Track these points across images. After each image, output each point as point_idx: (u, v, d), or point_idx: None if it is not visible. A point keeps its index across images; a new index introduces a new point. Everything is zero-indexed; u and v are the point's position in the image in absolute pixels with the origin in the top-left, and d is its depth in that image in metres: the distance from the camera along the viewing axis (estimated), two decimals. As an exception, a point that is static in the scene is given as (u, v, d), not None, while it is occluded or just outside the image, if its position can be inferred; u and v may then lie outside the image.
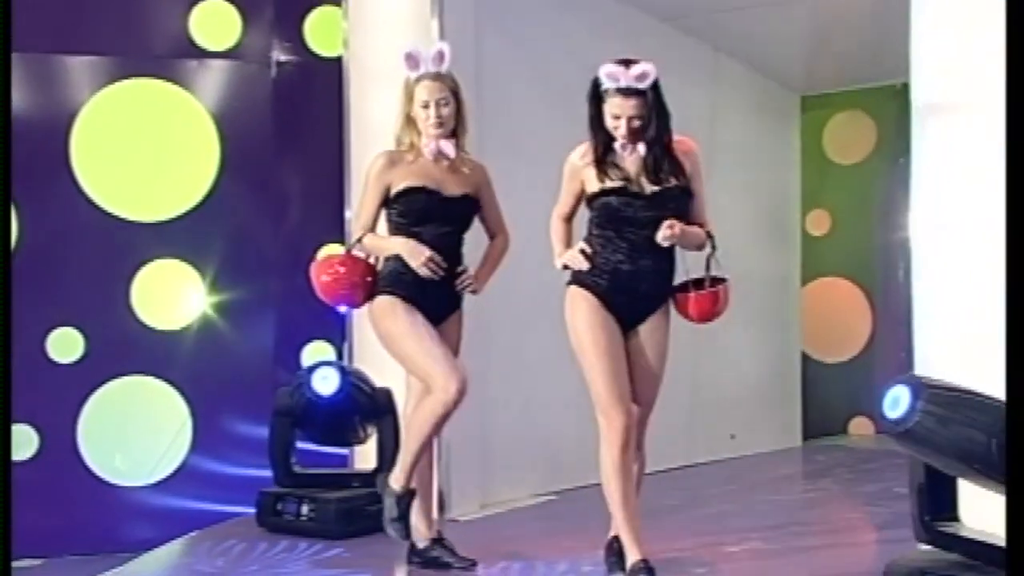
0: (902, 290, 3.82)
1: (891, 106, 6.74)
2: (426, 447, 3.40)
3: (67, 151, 5.43)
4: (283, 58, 5.67)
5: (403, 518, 3.38)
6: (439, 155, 3.39)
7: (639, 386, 3.24)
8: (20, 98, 5.30)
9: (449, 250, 3.39)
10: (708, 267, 3.27)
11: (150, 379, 5.49)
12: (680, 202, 3.20)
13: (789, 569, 3.58)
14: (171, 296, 5.54)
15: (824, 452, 6.68)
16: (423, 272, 3.31)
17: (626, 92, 3.10)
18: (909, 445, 2.74)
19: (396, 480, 3.39)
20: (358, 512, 4.09)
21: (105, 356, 5.41)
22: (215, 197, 5.57)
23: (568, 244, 3.30)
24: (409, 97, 3.38)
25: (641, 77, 3.10)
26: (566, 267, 3.27)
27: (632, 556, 3.16)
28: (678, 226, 3.12)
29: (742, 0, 5.52)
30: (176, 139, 5.58)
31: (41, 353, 5.34)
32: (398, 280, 3.36)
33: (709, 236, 3.25)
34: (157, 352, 5.50)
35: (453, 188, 3.40)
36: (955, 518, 2.93)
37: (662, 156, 3.17)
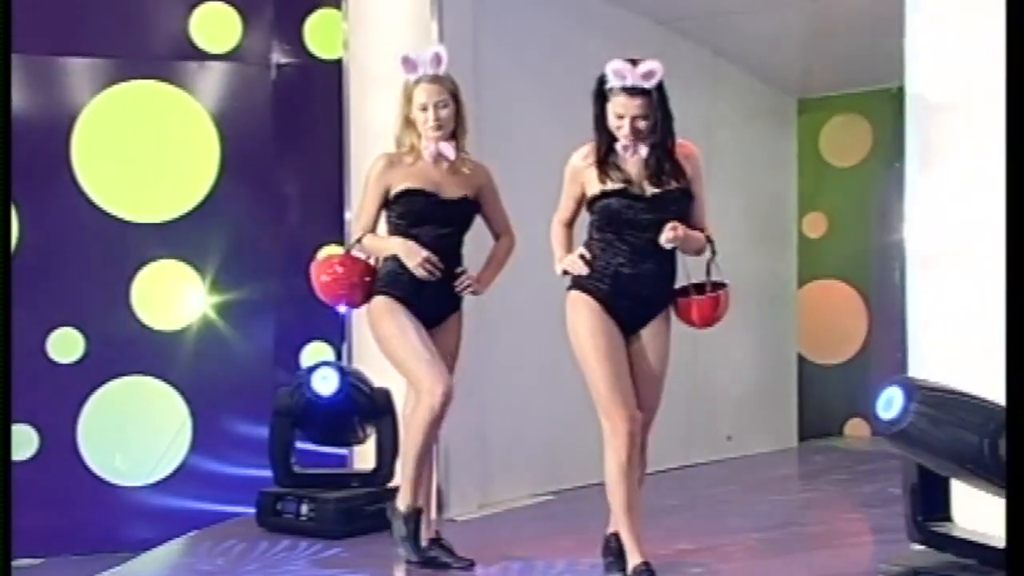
0: (898, 292, 3.84)
1: (887, 109, 6.76)
2: (424, 458, 3.41)
3: (68, 152, 5.45)
4: (283, 60, 5.70)
5: (413, 537, 3.40)
6: (438, 157, 3.41)
7: (642, 390, 3.22)
8: (22, 99, 5.32)
9: (447, 251, 3.40)
10: (708, 271, 3.26)
11: (150, 379, 5.51)
12: (681, 205, 3.19)
13: (785, 569, 3.60)
14: (171, 297, 5.56)
15: (820, 453, 6.71)
16: (419, 273, 3.33)
17: (631, 91, 3.08)
18: (902, 446, 2.77)
19: (402, 500, 3.42)
20: (357, 512, 4.11)
21: (105, 356, 5.44)
22: (215, 198, 5.60)
23: (569, 249, 3.29)
24: (408, 99, 3.40)
25: (648, 75, 3.09)
26: (566, 273, 3.26)
27: (633, 559, 3.17)
28: (681, 228, 3.11)
29: (739, 4, 5.55)
30: (176, 140, 5.60)
31: (41, 353, 5.36)
32: (395, 281, 3.38)
33: (709, 240, 3.24)
34: (157, 352, 5.52)
35: (452, 190, 3.42)
36: (948, 518, 2.95)
37: (664, 158, 3.16)
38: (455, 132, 3.43)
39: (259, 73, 5.69)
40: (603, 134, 3.17)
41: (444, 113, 3.37)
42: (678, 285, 3.30)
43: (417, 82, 3.37)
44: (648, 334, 3.23)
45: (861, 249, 7.40)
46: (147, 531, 5.00)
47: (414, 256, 3.32)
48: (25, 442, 5.29)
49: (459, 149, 3.44)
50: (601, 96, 3.15)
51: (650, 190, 3.16)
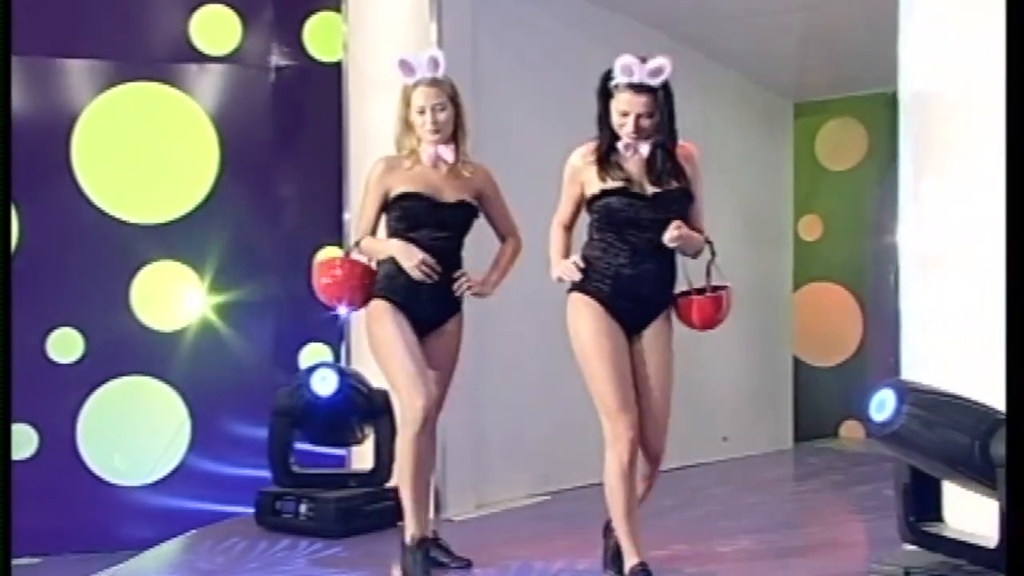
0: (893, 295, 3.87)
1: (883, 113, 6.80)
2: (418, 477, 3.37)
3: (68, 153, 5.48)
4: (282, 63, 5.72)
5: (426, 572, 3.38)
6: (437, 160, 3.41)
7: (647, 393, 3.17)
8: (23, 101, 5.35)
9: (446, 255, 3.40)
10: (708, 273, 3.24)
11: (149, 379, 5.53)
12: (681, 205, 3.16)
13: (779, 569, 3.62)
14: (170, 297, 5.58)
15: (815, 455, 6.75)
16: (416, 274, 3.32)
17: (637, 88, 3.05)
18: (895, 447, 2.80)
19: (409, 533, 3.40)
20: (355, 511, 4.14)
21: (104, 356, 5.46)
22: (214, 200, 5.62)
23: (567, 253, 3.25)
24: (406, 103, 3.39)
25: (656, 72, 3.06)
26: (561, 279, 3.23)
27: (631, 560, 3.16)
28: (684, 227, 3.09)
29: (736, 9, 5.58)
30: (176, 142, 5.62)
31: (41, 353, 5.38)
32: (391, 283, 3.38)
33: (708, 242, 3.22)
34: (156, 353, 5.54)
35: (450, 194, 3.41)
36: (939, 519, 2.98)
37: (666, 158, 3.13)
38: (455, 135, 3.42)
39: (258, 75, 5.72)
40: (605, 132, 3.14)
41: (442, 116, 3.36)
42: (678, 289, 3.27)
43: (415, 85, 3.37)
44: (650, 335, 3.19)
45: (856, 252, 7.44)
46: (146, 530, 5.01)
47: (410, 258, 3.33)
48: (25, 442, 5.31)
49: (459, 152, 3.43)
50: (605, 93, 3.12)
51: (651, 189, 3.13)
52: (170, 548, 4.09)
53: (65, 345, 5.44)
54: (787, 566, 3.65)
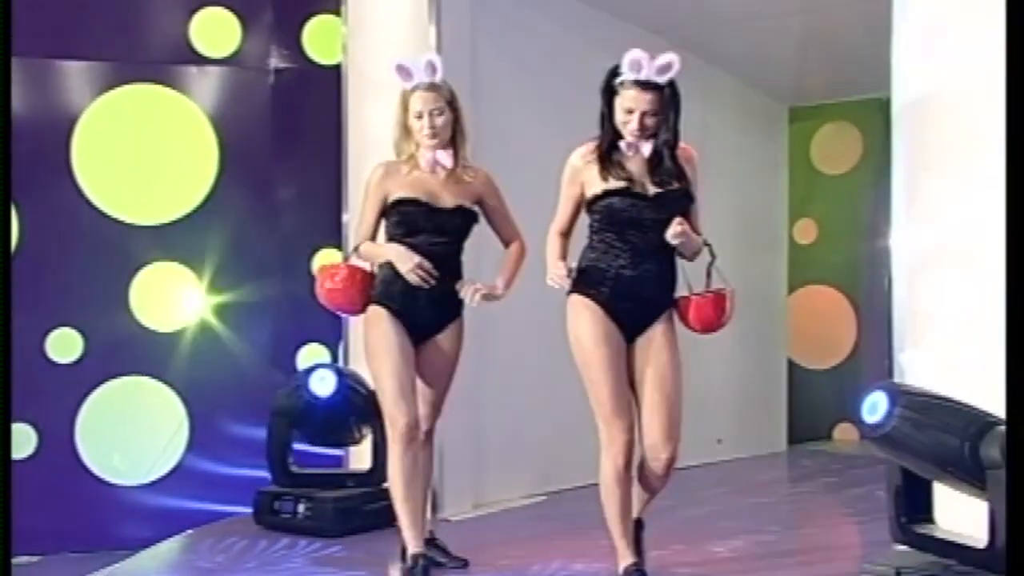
0: (887, 298, 3.90)
1: (877, 118, 6.85)
2: (411, 494, 3.34)
3: (68, 155, 5.51)
4: (281, 65, 5.76)
5: None
6: (435, 165, 3.39)
7: (653, 394, 3.13)
8: (23, 102, 5.38)
9: (444, 260, 3.37)
10: (709, 275, 3.20)
11: (148, 380, 5.57)
12: (682, 205, 3.12)
13: (773, 569, 3.64)
14: (169, 298, 5.62)
15: (809, 457, 6.79)
16: (412, 279, 3.30)
17: (644, 85, 3.02)
18: (886, 449, 2.84)
19: (408, 545, 3.36)
20: (354, 511, 4.17)
21: (104, 357, 5.50)
22: (213, 201, 5.66)
23: (563, 259, 3.18)
24: (405, 107, 3.38)
25: (664, 69, 3.03)
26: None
27: (625, 560, 3.17)
28: (687, 225, 3.05)
29: (734, 13, 5.62)
30: (175, 144, 5.66)
31: (40, 353, 5.42)
32: (388, 289, 3.37)
33: (707, 244, 3.17)
34: (155, 353, 5.58)
35: (448, 199, 3.39)
36: (930, 520, 3.01)
37: (668, 157, 3.10)
38: (453, 140, 3.41)
39: (258, 77, 5.76)
40: (607, 130, 3.11)
41: (440, 121, 3.34)
42: (679, 293, 3.23)
43: (413, 90, 3.35)
44: (653, 337, 3.14)
45: (851, 255, 7.49)
46: (143, 530, 5.04)
47: (407, 261, 3.31)
48: (24, 441, 5.34)
49: (458, 157, 3.42)
50: (610, 91, 3.09)
51: (652, 189, 3.10)
52: (170, 547, 4.11)
53: (64, 345, 5.47)
54: (781, 567, 3.68)
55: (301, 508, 4.18)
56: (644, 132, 3.07)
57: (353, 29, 5.00)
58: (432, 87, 3.36)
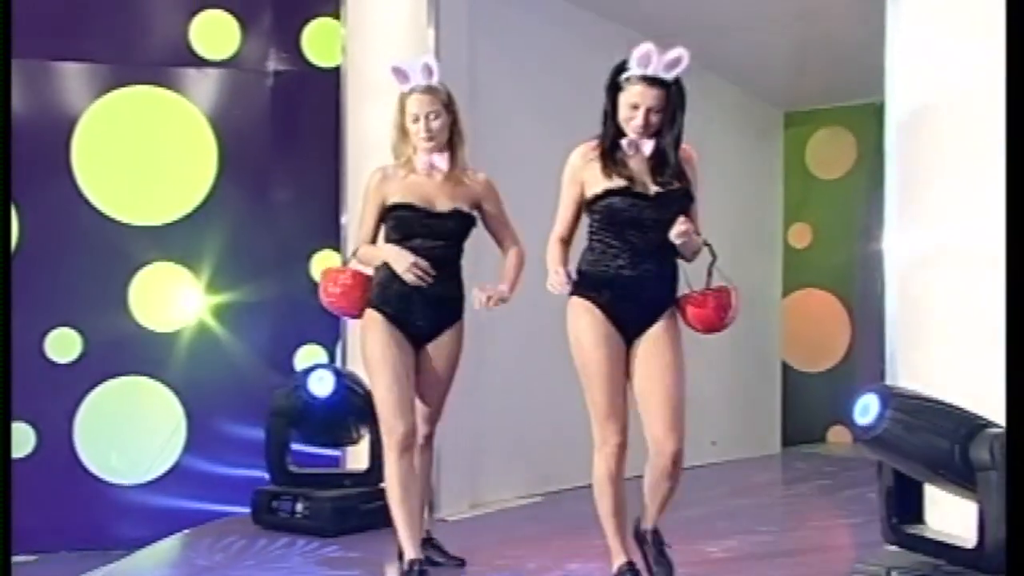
0: (880, 302, 3.94)
1: (872, 123, 6.88)
2: (407, 501, 3.34)
3: (68, 155, 5.53)
4: (280, 68, 5.79)
5: None
6: (431, 169, 3.38)
7: (654, 393, 3.10)
8: (24, 103, 5.40)
9: (442, 264, 3.36)
10: (710, 274, 3.18)
11: (146, 380, 5.58)
12: (683, 205, 3.09)
13: (766, 569, 3.68)
14: (168, 298, 5.63)
15: (803, 459, 6.82)
16: (408, 278, 3.29)
17: (651, 81, 2.99)
18: (878, 450, 2.87)
19: (405, 551, 3.34)
20: (351, 510, 4.20)
21: (102, 356, 5.51)
22: (212, 202, 5.68)
23: (564, 264, 3.13)
24: (401, 110, 3.37)
25: (673, 63, 2.99)
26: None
27: (618, 559, 3.18)
28: (689, 223, 3.02)
29: (729, 20, 5.66)
30: (175, 145, 5.68)
31: (40, 353, 5.43)
32: (384, 292, 3.36)
33: (707, 244, 3.14)
34: (153, 353, 5.59)
35: (443, 203, 3.38)
36: (920, 520, 3.05)
37: (670, 157, 3.07)
38: (451, 143, 3.40)
39: (257, 80, 5.78)
40: (610, 128, 3.08)
41: (436, 124, 3.32)
42: (682, 293, 3.21)
43: (410, 92, 3.34)
44: (654, 336, 3.11)
45: (845, 259, 7.52)
46: (141, 529, 5.06)
47: (403, 261, 3.29)
48: (23, 440, 5.35)
49: (455, 160, 3.40)
50: (614, 87, 3.06)
51: (653, 189, 3.07)
52: (169, 545, 4.14)
53: (63, 345, 5.49)
54: (774, 566, 3.71)
55: (299, 507, 4.21)
56: (648, 129, 3.04)
57: (352, 32, 5.03)
58: (429, 90, 3.34)
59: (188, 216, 5.66)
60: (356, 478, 4.39)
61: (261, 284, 5.68)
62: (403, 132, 3.39)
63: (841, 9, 5.47)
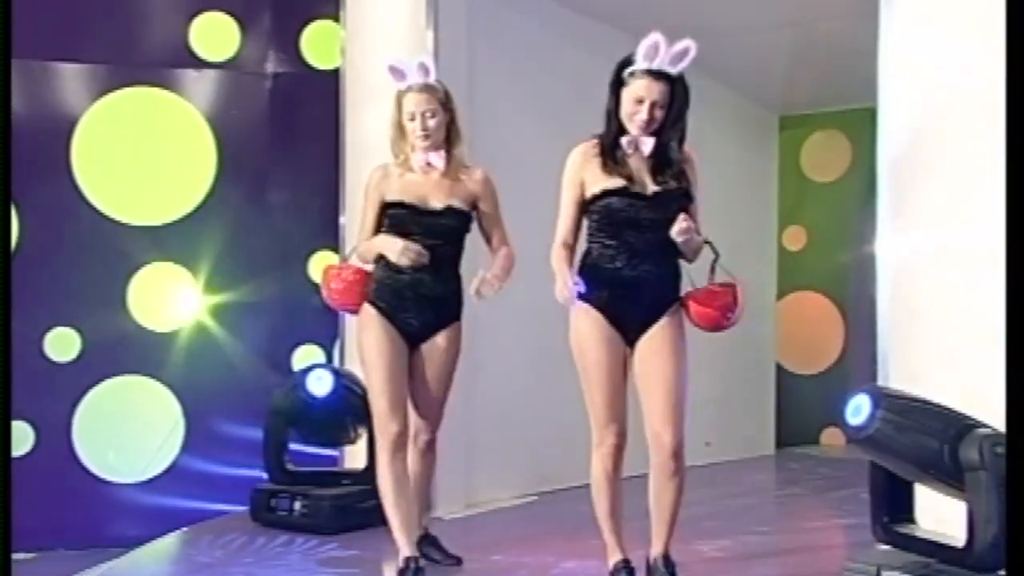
0: (874, 305, 3.97)
1: (866, 127, 6.86)
2: (400, 501, 3.33)
3: (68, 156, 5.58)
4: (279, 69, 5.82)
5: None
6: (428, 167, 3.37)
7: (654, 392, 3.07)
8: (25, 104, 5.44)
9: (439, 263, 3.35)
10: (713, 271, 3.16)
11: (144, 379, 5.63)
12: (682, 205, 3.07)
13: (760, 568, 3.71)
14: (166, 298, 5.68)
15: (796, 460, 6.85)
16: (403, 262, 3.27)
17: (656, 75, 2.96)
18: (869, 451, 2.91)
19: (400, 549, 3.31)
20: (350, 509, 4.22)
21: (101, 356, 5.56)
22: (211, 202, 5.73)
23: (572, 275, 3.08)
24: (399, 108, 3.37)
25: (679, 56, 2.96)
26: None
27: (614, 556, 3.20)
28: (690, 221, 3.00)
29: (725, 25, 5.69)
30: (174, 146, 5.73)
31: (39, 352, 5.47)
32: (378, 287, 3.36)
33: (708, 243, 3.12)
34: (152, 353, 5.64)
35: (438, 200, 3.36)
36: (911, 520, 3.09)
37: (671, 155, 3.04)
38: (447, 141, 3.39)
39: (256, 81, 5.82)
40: (612, 126, 3.05)
41: (432, 122, 3.31)
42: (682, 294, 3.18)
43: (407, 91, 3.35)
44: (655, 335, 3.09)
45: (839, 262, 7.54)
46: (139, 528, 5.10)
47: (394, 247, 3.27)
48: (22, 438, 5.39)
49: (451, 158, 3.39)
50: (618, 83, 3.03)
51: (651, 189, 3.05)
52: (168, 542, 4.17)
53: (62, 344, 5.52)
54: (767, 565, 3.75)
55: (297, 505, 4.23)
56: (652, 124, 3.01)
57: (351, 34, 5.05)
58: (425, 88, 3.34)
59: (187, 216, 5.70)
60: (354, 476, 4.41)
61: (259, 284, 5.72)
62: (400, 130, 3.40)
63: (835, 16, 5.51)
